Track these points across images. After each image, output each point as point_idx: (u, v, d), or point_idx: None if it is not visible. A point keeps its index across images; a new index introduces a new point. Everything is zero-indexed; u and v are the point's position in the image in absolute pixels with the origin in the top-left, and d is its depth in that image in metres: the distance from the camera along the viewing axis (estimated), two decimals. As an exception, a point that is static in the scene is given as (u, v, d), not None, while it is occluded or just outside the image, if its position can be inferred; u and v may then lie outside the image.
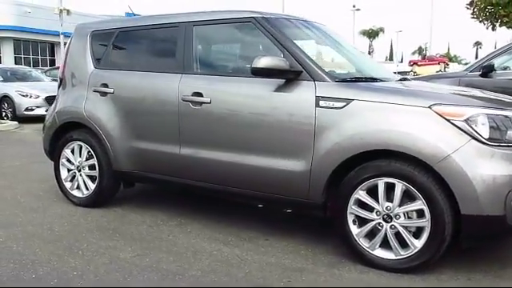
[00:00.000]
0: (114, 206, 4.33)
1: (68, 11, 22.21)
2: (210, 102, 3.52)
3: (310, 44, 3.60)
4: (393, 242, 2.94)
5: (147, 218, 4.04)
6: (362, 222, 3.06)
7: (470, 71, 7.11)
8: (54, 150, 4.49)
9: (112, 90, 4.06)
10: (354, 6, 45.51)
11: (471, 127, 2.75)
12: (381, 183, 2.94)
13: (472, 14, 5.40)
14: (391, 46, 79.05)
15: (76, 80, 4.38)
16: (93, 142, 4.18)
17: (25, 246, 3.38)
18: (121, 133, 4.00)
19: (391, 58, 76.19)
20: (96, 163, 4.19)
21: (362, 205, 3.04)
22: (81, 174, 4.31)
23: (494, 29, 5.53)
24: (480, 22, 5.17)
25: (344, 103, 3.04)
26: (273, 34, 3.41)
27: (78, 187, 4.35)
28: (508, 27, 5.06)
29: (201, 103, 3.56)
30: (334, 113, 3.07)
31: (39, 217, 4.05)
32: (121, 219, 4.00)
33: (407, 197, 2.90)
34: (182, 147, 3.69)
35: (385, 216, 2.95)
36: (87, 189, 4.29)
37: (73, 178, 4.39)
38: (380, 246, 3.01)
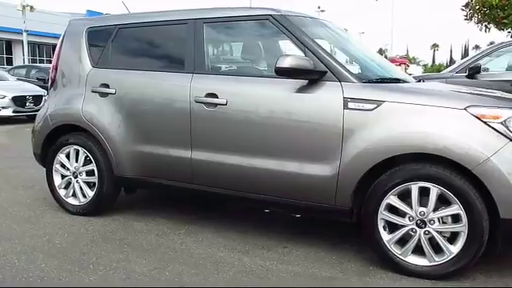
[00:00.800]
0: (113, 213, 4.07)
1: (31, 7, 21.24)
2: (225, 104, 3.33)
3: (326, 43, 3.47)
4: (427, 247, 2.85)
5: (152, 226, 3.81)
6: (392, 227, 2.96)
7: (456, 72, 7.21)
8: (45, 156, 4.18)
9: (114, 91, 3.81)
10: (318, 7, 45.95)
11: (508, 129, 2.69)
12: (414, 187, 2.84)
13: (466, 16, 5.46)
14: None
15: (71, 80, 4.09)
16: (92, 146, 3.90)
17: (28, 260, 3.10)
18: (124, 136, 3.75)
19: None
20: (95, 168, 3.92)
21: (393, 210, 2.93)
22: (77, 181, 4.03)
23: (487, 31, 5.62)
24: (477, 23, 5.22)
25: (375, 105, 2.92)
26: (293, 33, 3.26)
27: (74, 194, 4.07)
28: (507, 30, 5.15)
29: (215, 105, 3.37)
30: (363, 115, 2.95)
31: (35, 228, 3.74)
32: (125, 228, 3.75)
33: (441, 201, 2.81)
34: (193, 151, 3.48)
35: (418, 221, 2.86)
36: (84, 196, 4.01)
37: (68, 185, 4.10)
38: (412, 253, 2.91)
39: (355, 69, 3.49)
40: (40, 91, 12.40)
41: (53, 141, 4.13)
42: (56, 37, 35.42)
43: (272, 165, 3.20)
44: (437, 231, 2.83)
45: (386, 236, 2.96)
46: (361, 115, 2.95)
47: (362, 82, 3.07)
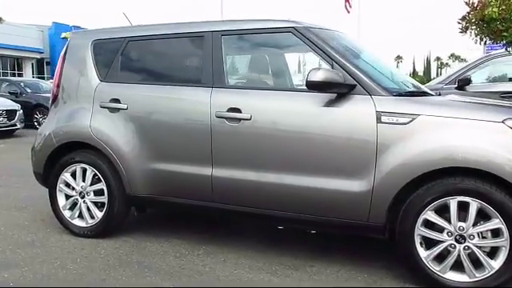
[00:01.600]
0: (121, 234, 3.86)
1: (0, 19, 20.53)
2: (250, 119, 3.21)
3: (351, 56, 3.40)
4: (467, 263, 2.80)
5: (167, 247, 3.63)
6: (429, 243, 2.89)
7: (446, 84, 7.32)
8: (48, 175, 3.95)
9: (125, 106, 3.63)
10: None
11: None
12: (453, 202, 2.79)
13: (461, 28, 5.56)
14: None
15: (76, 95, 3.89)
16: (101, 165, 3.70)
17: (45, 290, 2.88)
18: (137, 153, 3.58)
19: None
20: (105, 188, 3.71)
21: (429, 225, 2.87)
22: (84, 201, 3.81)
23: (484, 43, 5.75)
24: (476, 36, 5.32)
25: (409, 119, 2.87)
26: (318, 45, 3.19)
27: (81, 216, 3.85)
28: (507, 42, 5.27)
29: (239, 119, 3.25)
30: (398, 129, 2.89)
31: (42, 252, 3.51)
32: (139, 250, 3.56)
33: (481, 216, 2.77)
34: (214, 168, 3.34)
35: (457, 237, 2.80)
36: (92, 217, 3.79)
37: (73, 206, 3.88)
38: (451, 269, 2.85)
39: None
40: (14, 106, 11.93)
41: (56, 159, 3.90)
42: (18, 49, 34.66)
43: (302, 181, 3.10)
44: (477, 246, 2.78)
45: (423, 252, 2.89)
46: (395, 129, 2.89)
47: (392, 95, 3.02)
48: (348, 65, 3.10)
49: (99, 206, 3.78)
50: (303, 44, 3.24)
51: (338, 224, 3.09)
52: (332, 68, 3.09)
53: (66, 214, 3.89)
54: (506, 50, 5.73)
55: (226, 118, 3.29)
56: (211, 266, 3.27)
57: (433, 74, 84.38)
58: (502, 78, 8.02)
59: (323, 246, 3.65)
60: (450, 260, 2.83)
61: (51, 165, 3.92)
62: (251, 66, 3.73)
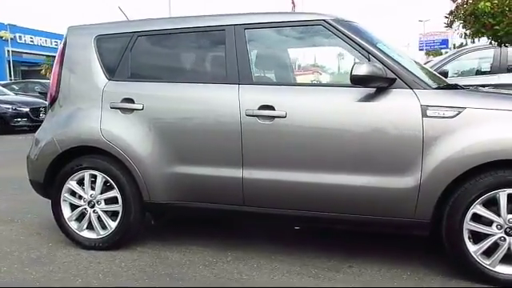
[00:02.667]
0: (133, 245, 3.56)
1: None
2: (285, 116, 3.05)
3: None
4: (517, 255, 2.79)
5: (190, 256, 3.40)
6: (477, 238, 2.86)
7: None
8: (49, 185, 3.60)
9: (141, 106, 3.36)
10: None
11: None
12: (503, 195, 2.77)
13: (446, 23, 5.65)
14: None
15: (80, 96, 3.56)
16: (113, 171, 3.41)
17: (79, 312, 2.59)
18: (156, 157, 3.32)
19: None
20: (118, 195, 3.42)
21: (477, 219, 2.84)
22: (94, 211, 3.50)
23: (470, 37, 5.88)
24: (467, 29, 5.42)
25: (456, 112, 2.82)
26: (352, 38, 3.08)
27: (90, 227, 3.53)
28: (498, 36, 5.41)
29: (273, 117, 3.08)
30: (444, 122, 2.83)
31: (56, 270, 3.18)
32: (161, 261, 3.31)
33: (529, 207, 2.77)
34: (245, 169, 3.16)
35: (507, 229, 2.79)
36: (104, 228, 3.49)
37: (80, 216, 3.56)
38: (500, 262, 2.83)
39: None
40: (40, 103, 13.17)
41: (58, 167, 3.56)
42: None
43: (342, 180, 2.98)
44: (527, 238, 2.78)
45: (472, 247, 2.85)
46: (441, 123, 2.83)
47: (432, 88, 2.97)
48: (385, 58, 3.01)
49: (110, 215, 3.49)
50: (335, 37, 3.12)
51: (382, 222, 3.00)
52: (369, 61, 2.99)
53: (73, 225, 3.56)
54: (491, 43, 5.88)
55: (257, 117, 3.11)
56: (247, 274, 3.09)
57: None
58: (470, 72, 8.32)
59: (353, 245, 3.56)
60: (500, 253, 2.81)
61: (53, 173, 3.58)
62: (279, 61, 3.56)
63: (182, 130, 3.29)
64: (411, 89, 2.92)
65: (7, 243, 3.73)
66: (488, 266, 2.83)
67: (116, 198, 3.45)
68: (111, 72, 3.52)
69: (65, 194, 3.55)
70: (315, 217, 3.12)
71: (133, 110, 3.38)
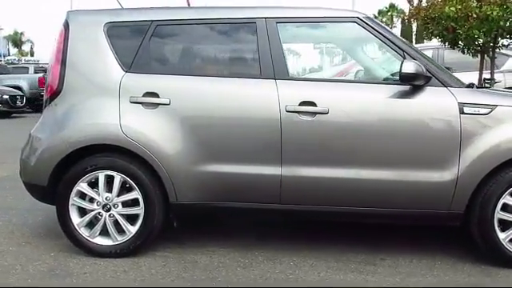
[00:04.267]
0: (149, 250, 3.31)
1: None
2: (327, 113, 3.04)
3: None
4: (541, 241, 3.06)
5: (217, 257, 3.25)
6: (504, 225, 3.09)
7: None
8: (54, 188, 3.22)
9: (167, 101, 3.12)
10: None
11: None
12: (529, 186, 3.02)
13: (407, 19, 5.97)
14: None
15: (92, 88, 3.22)
16: (134, 170, 3.14)
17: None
18: (185, 155, 3.12)
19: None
20: (140, 197, 3.16)
21: (506, 209, 3.07)
22: (110, 215, 3.20)
23: (428, 38, 6.27)
24: (425, 30, 5.75)
25: (489, 109, 3.02)
26: (386, 36, 3.15)
27: (104, 233, 3.22)
28: (456, 41, 5.81)
29: (314, 114, 3.05)
30: (479, 119, 3.02)
31: (81, 282, 2.88)
32: (193, 265, 3.12)
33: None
34: (284, 167, 3.09)
35: (533, 217, 3.05)
36: (121, 233, 3.21)
37: (92, 222, 3.23)
38: (525, 247, 3.09)
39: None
40: None
41: (68, 168, 3.20)
42: None
43: (383, 175, 3.05)
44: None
45: (501, 234, 3.08)
46: (477, 120, 3.02)
47: (464, 87, 3.14)
48: (420, 56, 3.13)
49: (132, 219, 3.22)
50: (369, 34, 3.17)
51: (419, 215, 3.13)
52: (404, 59, 3.08)
53: (84, 232, 3.22)
54: (451, 47, 6.33)
55: (298, 113, 3.06)
56: (290, 272, 3.03)
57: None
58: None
59: (367, 238, 3.65)
60: (526, 239, 3.07)
61: (58, 175, 3.21)
62: (312, 56, 3.52)
63: (214, 126, 3.13)
64: (445, 87, 3.07)
65: (6, 256, 3.27)
66: (515, 251, 3.08)
67: (136, 200, 3.18)
68: (127, 63, 3.23)
69: (74, 198, 3.20)
70: (352, 212, 3.15)
71: (157, 104, 3.14)
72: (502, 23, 5.37)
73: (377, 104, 3.07)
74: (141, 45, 3.24)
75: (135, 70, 3.22)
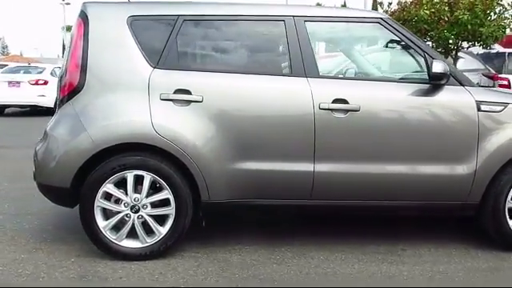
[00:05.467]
0: (174, 251, 3.23)
1: None
2: (358, 110, 3.14)
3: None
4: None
5: (247, 255, 3.24)
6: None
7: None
8: (78, 190, 3.05)
9: (200, 98, 3.06)
10: (63, 0, 42.33)
11: None
12: (537, 176, 3.32)
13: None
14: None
15: (119, 84, 3.08)
16: (165, 170, 3.05)
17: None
18: (220, 153, 3.08)
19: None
20: (171, 197, 3.08)
21: (512, 198, 3.35)
22: (139, 216, 3.08)
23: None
24: None
25: (502, 107, 3.27)
26: (408, 37, 3.32)
27: (132, 235, 3.10)
28: (432, 43, 6.13)
29: (346, 111, 3.13)
30: (493, 116, 3.26)
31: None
32: (227, 264, 3.10)
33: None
34: (317, 163, 3.15)
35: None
36: (150, 234, 3.11)
37: (118, 225, 3.10)
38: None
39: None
40: None
41: (92, 168, 3.04)
42: None
43: (410, 169, 3.21)
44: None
45: (510, 221, 3.34)
46: (492, 116, 3.26)
47: (476, 86, 3.38)
48: (438, 56, 3.32)
49: (162, 219, 3.12)
50: (391, 35, 3.31)
51: (439, 206, 3.33)
52: (425, 59, 3.26)
53: (111, 235, 3.08)
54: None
55: (331, 110, 3.13)
56: (325, 267, 3.10)
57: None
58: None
59: (378, 230, 3.79)
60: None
61: (83, 176, 3.04)
62: (340, 54, 3.58)
63: (247, 123, 3.11)
64: (462, 86, 3.28)
65: (14, 264, 3.04)
66: (525, 238, 3.36)
67: (166, 200, 3.09)
68: (155, 59, 3.12)
69: (100, 200, 3.05)
70: (380, 205, 3.29)
71: (190, 101, 3.07)
72: (469, 27, 5.82)
73: (403, 101, 3.22)
74: (168, 40, 3.14)
75: (163, 66, 3.12)
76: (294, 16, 3.23)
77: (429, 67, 3.14)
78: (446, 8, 5.71)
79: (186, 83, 3.09)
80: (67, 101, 3.13)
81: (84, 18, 3.17)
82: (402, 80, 3.26)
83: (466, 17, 5.50)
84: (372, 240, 3.56)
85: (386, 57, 3.71)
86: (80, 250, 3.25)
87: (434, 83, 3.19)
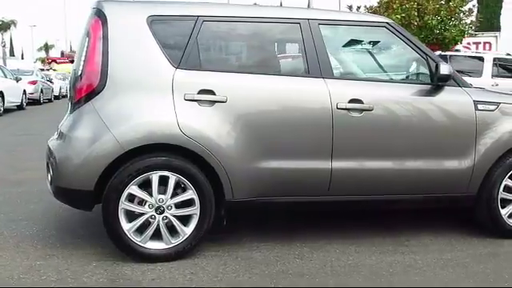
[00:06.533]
0: (192, 252, 3.24)
1: None
2: (372, 109, 3.31)
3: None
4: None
5: (265, 251, 3.32)
6: (505, 203, 3.67)
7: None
8: (100, 192, 2.98)
9: (224, 98, 3.09)
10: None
11: None
12: (522, 169, 3.65)
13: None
14: (11, 41, 72.92)
15: (141, 85, 3.04)
16: (190, 170, 3.06)
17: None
18: (243, 152, 3.13)
19: (12, 54, 71.02)
20: (196, 197, 3.09)
21: (505, 189, 3.66)
22: (164, 217, 3.06)
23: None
24: None
25: (495, 106, 3.57)
26: (412, 41, 3.53)
27: (156, 236, 3.08)
28: None
29: (361, 110, 3.29)
30: (488, 115, 3.55)
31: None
32: (253, 261, 3.16)
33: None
34: (334, 160, 3.28)
35: (519, 195, 3.68)
36: (174, 235, 3.10)
37: (143, 226, 3.06)
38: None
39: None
40: None
41: (116, 170, 2.98)
42: None
43: (420, 165, 3.42)
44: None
45: (503, 211, 3.66)
46: (487, 115, 3.55)
47: (471, 87, 3.66)
48: (440, 59, 3.56)
49: (186, 220, 3.12)
50: (396, 39, 3.51)
51: (442, 198, 3.58)
52: (427, 62, 3.49)
53: (135, 237, 3.04)
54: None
55: (348, 110, 3.27)
56: (345, 260, 3.24)
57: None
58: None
59: (379, 223, 3.99)
60: None
61: (107, 178, 2.98)
62: (352, 57, 3.71)
63: (270, 123, 3.18)
64: (460, 87, 3.55)
65: (33, 271, 2.93)
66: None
67: (191, 200, 3.10)
68: (176, 59, 3.11)
69: (124, 202, 3.00)
70: (392, 199, 3.49)
71: (214, 102, 3.09)
72: (436, 31, 6.21)
73: (411, 101, 3.43)
74: (189, 40, 3.14)
75: (185, 67, 3.12)
76: (308, 19, 3.33)
77: (432, 69, 3.37)
78: (416, 13, 6.07)
79: (209, 84, 3.11)
80: (86, 101, 3.04)
81: (102, 16, 3.09)
82: (408, 81, 3.47)
83: (433, 21, 5.91)
84: (375, 233, 3.75)
85: (391, 59, 3.92)
86: (96, 253, 3.19)
87: (439, 84, 3.42)
